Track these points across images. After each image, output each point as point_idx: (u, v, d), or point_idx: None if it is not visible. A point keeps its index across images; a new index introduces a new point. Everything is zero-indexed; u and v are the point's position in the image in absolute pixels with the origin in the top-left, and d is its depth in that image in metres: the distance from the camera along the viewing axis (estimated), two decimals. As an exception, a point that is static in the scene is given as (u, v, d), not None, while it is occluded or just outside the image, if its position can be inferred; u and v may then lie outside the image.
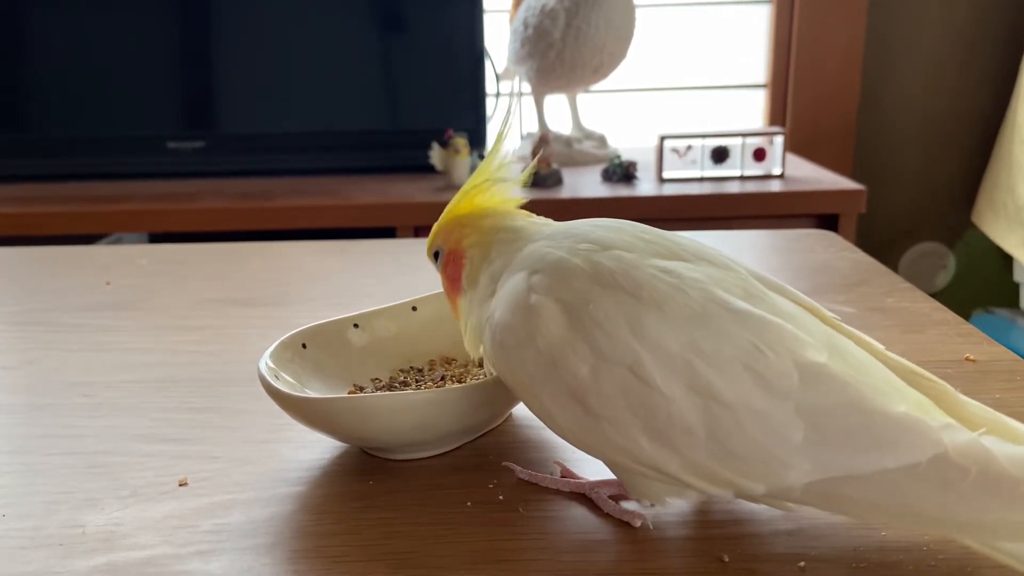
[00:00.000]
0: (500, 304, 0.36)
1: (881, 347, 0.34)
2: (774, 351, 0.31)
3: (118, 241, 1.26)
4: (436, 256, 0.43)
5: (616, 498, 0.37)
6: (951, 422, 0.30)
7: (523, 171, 0.42)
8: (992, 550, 0.30)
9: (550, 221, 0.41)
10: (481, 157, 1.34)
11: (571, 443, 0.35)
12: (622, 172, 1.24)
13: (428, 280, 0.43)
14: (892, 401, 0.30)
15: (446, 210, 0.42)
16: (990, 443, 0.29)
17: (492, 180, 0.41)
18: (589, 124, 1.45)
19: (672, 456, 0.32)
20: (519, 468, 0.39)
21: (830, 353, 0.31)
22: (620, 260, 0.34)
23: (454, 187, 1.22)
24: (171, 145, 1.34)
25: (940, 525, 0.30)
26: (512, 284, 0.36)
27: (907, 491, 0.30)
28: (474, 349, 0.40)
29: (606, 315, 0.33)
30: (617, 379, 0.32)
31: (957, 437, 0.30)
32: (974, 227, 1.48)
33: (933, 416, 0.31)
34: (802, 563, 0.32)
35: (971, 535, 0.30)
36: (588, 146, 1.40)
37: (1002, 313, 1.48)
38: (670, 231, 0.37)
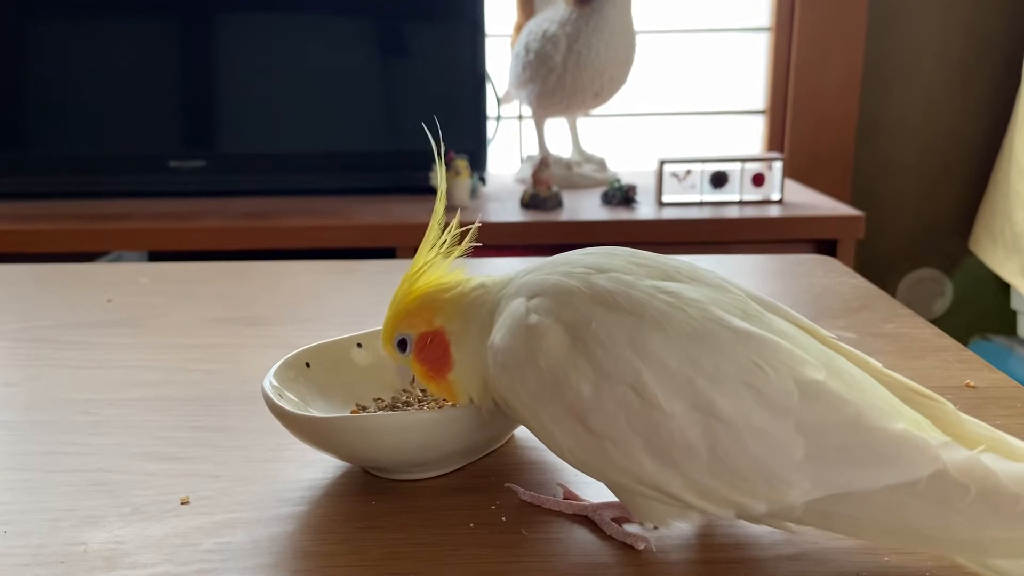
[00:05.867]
0: (500, 329, 0.36)
1: (879, 365, 0.34)
2: (774, 369, 0.31)
3: (118, 259, 1.26)
4: (401, 345, 0.40)
5: (619, 521, 0.37)
6: (949, 440, 0.31)
7: (454, 243, 0.40)
8: (987, 570, 0.31)
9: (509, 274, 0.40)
10: (482, 180, 1.34)
11: (573, 464, 0.35)
12: (622, 195, 1.25)
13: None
14: (891, 418, 0.31)
15: (394, 301, 0.40)
16: (990, 460, 0.30)
17: (432, 261, 0.40)
18: (589, 148, 1.46)
19: (674, 475, 0.32)
20: (522, 490, 0.39)
21: (828, 371, 0.32)
22: (618, 281, 0.34)
23: (454, 208, 1.22)
24: (172, 164, 1.34)
25: (939, 543, 0.30)
26: (511, 309, 0.36)
27: (907, 508, 0.30)
28: (483, 395, 0.39)
29: (608, 334, 0.33)
30: (619, 397, 0.32)
31: (956, 454, 0.30)
32: (971, 254, 1.49)
33: (931, 434, 0.31)
34: (805, 587, 0.33)
35: (969, 553, 0.30)
36: (588, 169, 1.41)
37: (999, 341, 1.48)
38: (665, 255, 0.37)
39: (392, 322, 0.40)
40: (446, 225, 0.40)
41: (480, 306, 0.39)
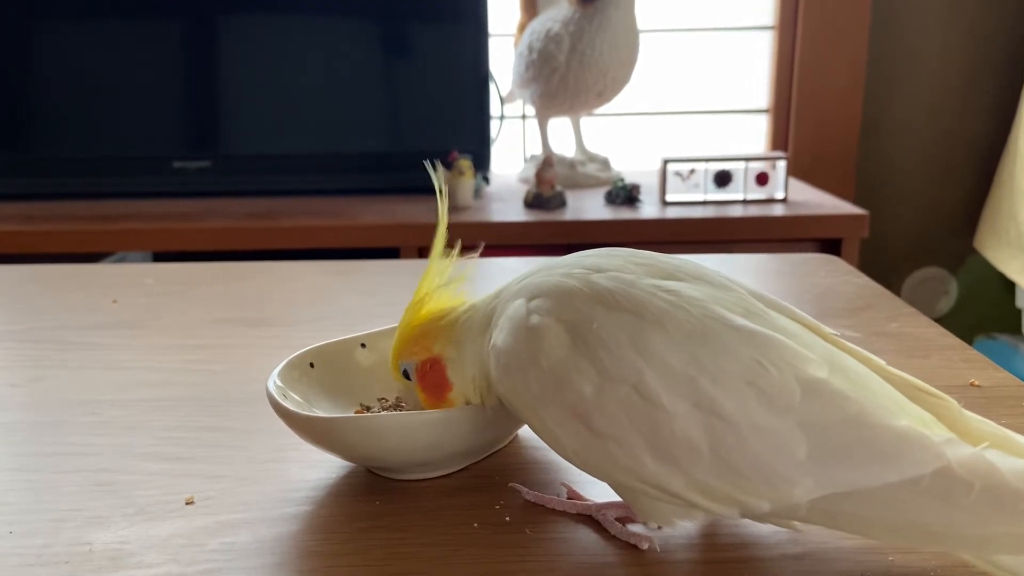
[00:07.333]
0: (501, 331, 0.36)
1: (882, 362, 0.34)
2: (776, 367, 0.31)
3: (122, 260, 1.26)
4: (405, 374, 0.41)
5: (623, 520, 0.37)
6: (953, 436, 0.31)
7: (458, 272, 0.41)
8: (992, 566, 0.30)
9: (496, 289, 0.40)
10: (486, 179, 1.34)
11: (576, 465, 0.35)
12: (625, 195, 1.25)
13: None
14: (894, 416, 0.31)
15: (398, 332, 0.41)
16: (994, 457, 0.30)
17: (434, 290, 0.40)
18: (592, 147, 1.46)
19: (676, 474, 0.32)
20: (526, 490, 0.39)
21: (831, 369, 0.32)
22: (618, 280, 0.34)
23: (458, 208, 1.22)
24: (177, 165, 1.34)
25: (943, 540, 0.30)
26: (512, 311, 0.36)
27: (910, 505, 0.30)
28: (487, 396, 0.39)
29: (609, 333, 0.33)
30: (621, 397, 0.32)
31: (960, 451, 0.30)
32: (976, 253, 1.48)
33: (935, 431, 0.31)
34: (809, 587, 0.33)
35: (973, 550, 0.30)
36: (591, 169, 1.41)
37: (1004, 339, 1.48)
38: (667, 254, 0.37)
39: (395, 353, 0.42)
40: (449, 237, 0.40)
41: (471, 326, 0.39)
